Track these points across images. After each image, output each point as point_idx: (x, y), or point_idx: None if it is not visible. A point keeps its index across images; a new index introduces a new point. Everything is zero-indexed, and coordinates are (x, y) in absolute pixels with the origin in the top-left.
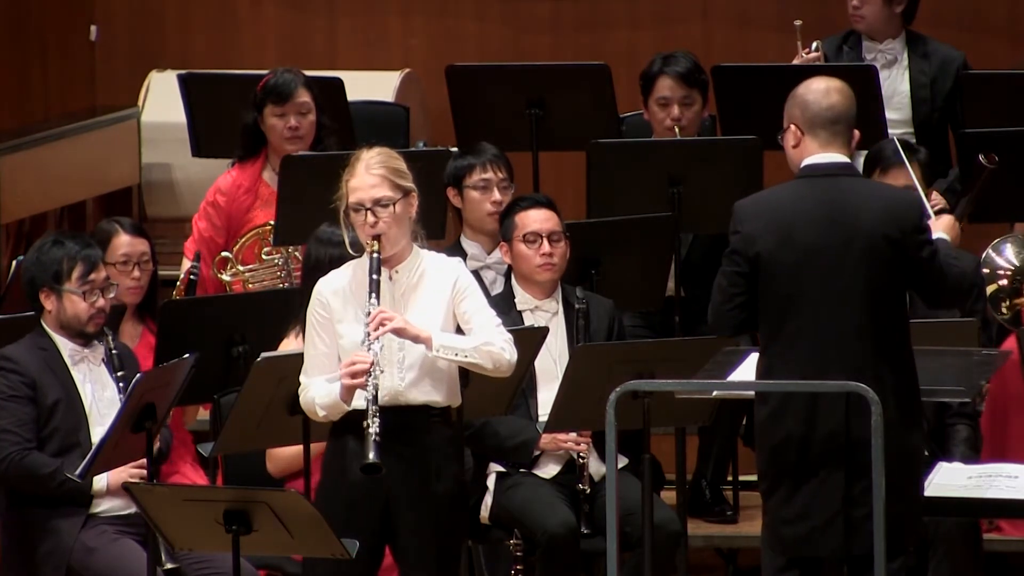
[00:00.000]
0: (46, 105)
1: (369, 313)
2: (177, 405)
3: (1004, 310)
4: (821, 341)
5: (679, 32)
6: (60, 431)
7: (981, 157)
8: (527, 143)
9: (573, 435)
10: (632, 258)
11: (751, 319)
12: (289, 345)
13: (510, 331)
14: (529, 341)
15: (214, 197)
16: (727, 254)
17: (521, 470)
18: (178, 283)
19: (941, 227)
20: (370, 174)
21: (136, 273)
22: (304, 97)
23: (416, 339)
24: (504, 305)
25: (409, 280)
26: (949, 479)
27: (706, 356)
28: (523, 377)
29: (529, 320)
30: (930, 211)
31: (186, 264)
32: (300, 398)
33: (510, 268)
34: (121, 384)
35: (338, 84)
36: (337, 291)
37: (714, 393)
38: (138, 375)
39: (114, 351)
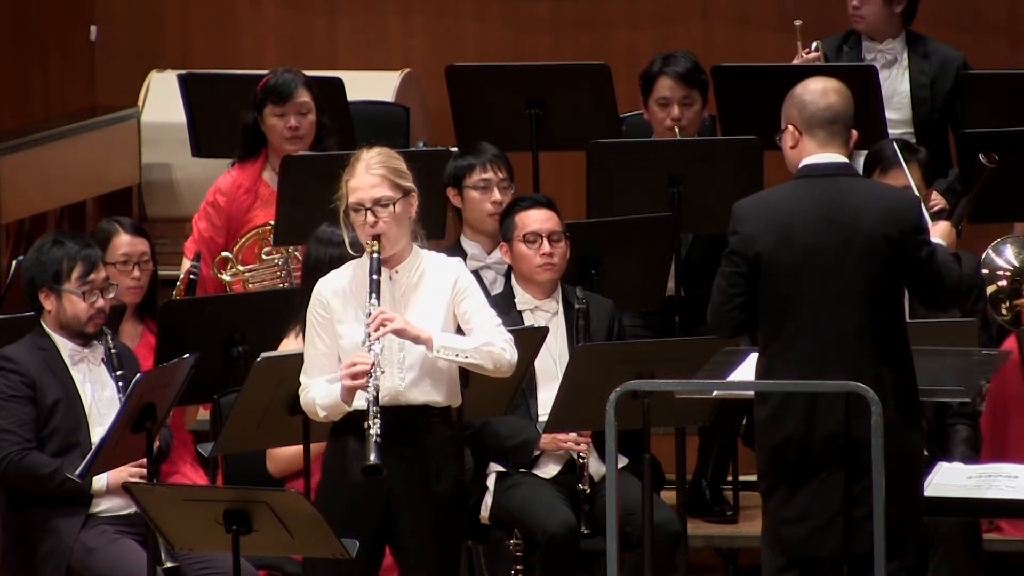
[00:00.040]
0: (46, 105)
1: (370, 314)
2: (177, 405)
3: (1004, 311)
4: (820, 341)
5: (679, 32)
6: (60, 431)
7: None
8: (527, 143)
9: (573, 435)
10: (632, 258)
11: (751, 319)
12: (289, 345)
13: (510, 331)
14: (529, 341)
15: (214, 197)
16: (726, 255)
17: (521, 470)
18: (178, 283)
19: (938, 233)
20: (370, 174)
21: (136, 273)
22: (304, 97)
23: (417, 340)
24: (504, 305)
25: (409, 280)
26: (949, 479)
27: (706, 356)
28: (523, 377)
29: (529, 320)
30: (927, 217)
31: (186, 264)
32: (300, 398)
33: (510, 268)
34: (120, 383)
35: (338, 84)
36: (337, 291)
37: (714, 393)
38: (138, 375)
39: (113, 350)
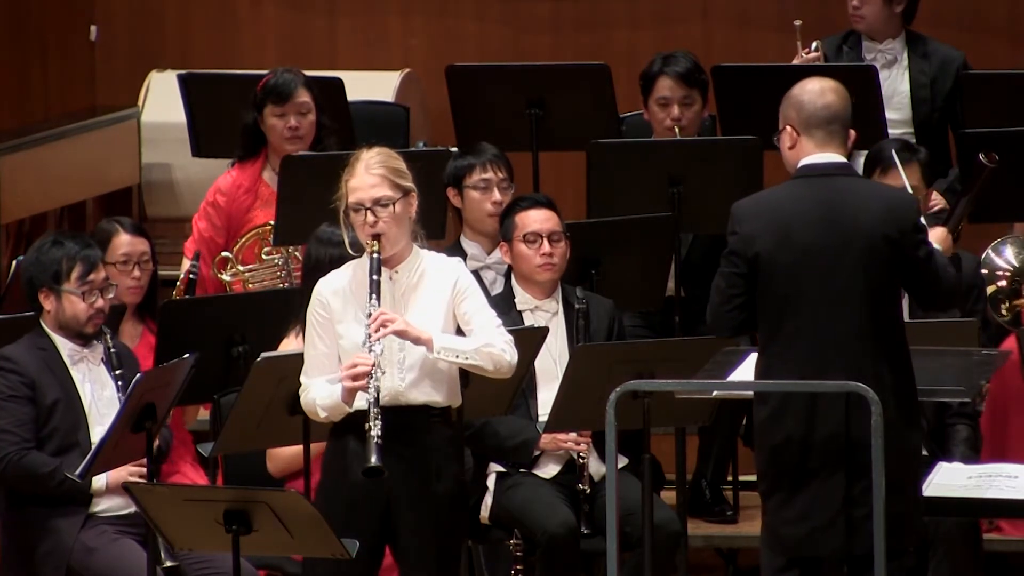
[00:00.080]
0: (46, 105)
1: (370, 314)
2: (177, 405)
3: (1004, 311)
4: (820, 341)
5: (679, 32)
6: (59, 431)
7: (981, 156)
8: (527, 143)
9: (573, 435)
10: (632, 258)
11: (750, 320)
12: (289, 345)
13: (510, 331)
14: (529, 341)
15: (214, 197)
16: (725, 255)
17: (521, 470)
18: (178, 283)
19: (934, 239)
20: (370, 174)
21: (136, 273)
22: (304, 97)
23: (417, 341)
24: (504, 305)
25: (409, 280)
26: (949, 479)
27: (706, 356)
28: (523, 377)
29: (529, 320)
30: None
31: (186, 264)
32: (301, 399)
33: (510, 268)
34: (119, 383)
35: (338, 84)
36: (337, 291)
37: (714, 393)
38: (138, 375)
39: (112, 349)
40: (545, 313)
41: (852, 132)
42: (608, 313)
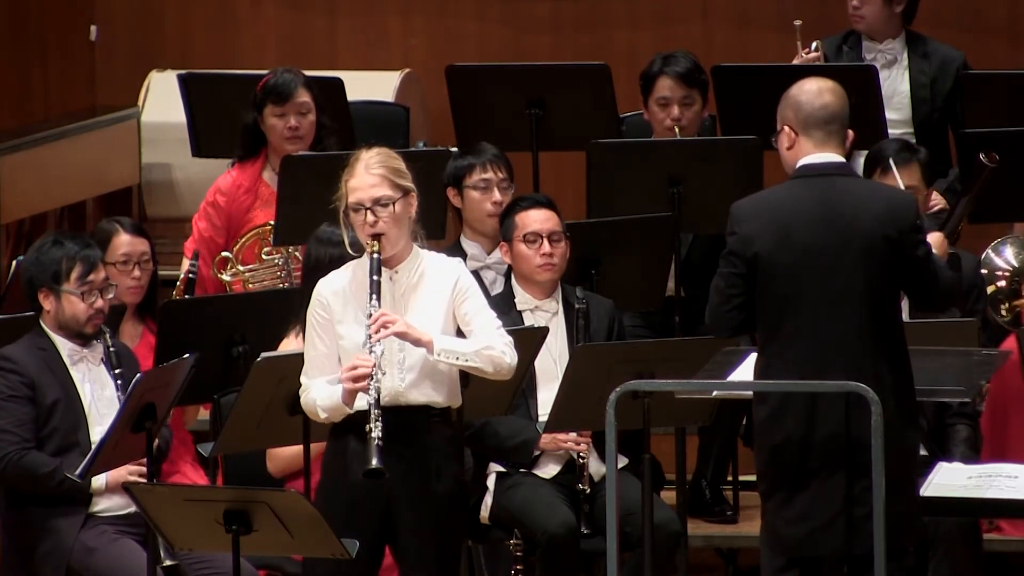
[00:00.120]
0: (46, 105)
1: (370, 315)
2: (177, 405)
3: (1003, 311)
4: (820, 341)
5: (679, 32)
6: (59, 431)
7: (981, 156)
8: (527, 143)
9: (573, 435)
10: (632, 258)
11: (749, 320)
12: (289, 345)
13: (510, 331)
14: (529, 341)
15: (214, 197)
16: (724, 255)
17: (521, 470)
18: (178, 283)
19: (931, 242)
20: (370, 174)
21: (136, 273)
22: (304, 97)
23: (418, 343)
24: (504, 305)
25: (409, 280)
26: (949, 479)
27: (706, 356)
28: (523, 377)
29: (529, 320)
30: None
31: (186, 264)
32: (301, 399)
33: (510, 268)
34: (119, 382)
35: (338, 84)
36: (337, 292)
37: (714, 393)
38: (138, 375)
39: (112, 348)
40: (545, 313)
41: (850, 132)
42: (608, 313)
